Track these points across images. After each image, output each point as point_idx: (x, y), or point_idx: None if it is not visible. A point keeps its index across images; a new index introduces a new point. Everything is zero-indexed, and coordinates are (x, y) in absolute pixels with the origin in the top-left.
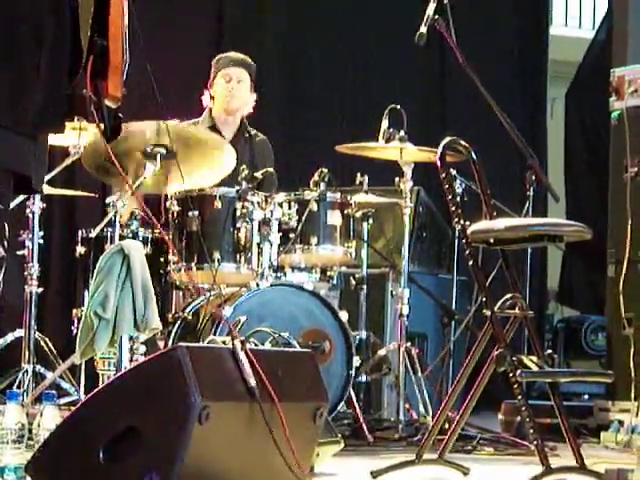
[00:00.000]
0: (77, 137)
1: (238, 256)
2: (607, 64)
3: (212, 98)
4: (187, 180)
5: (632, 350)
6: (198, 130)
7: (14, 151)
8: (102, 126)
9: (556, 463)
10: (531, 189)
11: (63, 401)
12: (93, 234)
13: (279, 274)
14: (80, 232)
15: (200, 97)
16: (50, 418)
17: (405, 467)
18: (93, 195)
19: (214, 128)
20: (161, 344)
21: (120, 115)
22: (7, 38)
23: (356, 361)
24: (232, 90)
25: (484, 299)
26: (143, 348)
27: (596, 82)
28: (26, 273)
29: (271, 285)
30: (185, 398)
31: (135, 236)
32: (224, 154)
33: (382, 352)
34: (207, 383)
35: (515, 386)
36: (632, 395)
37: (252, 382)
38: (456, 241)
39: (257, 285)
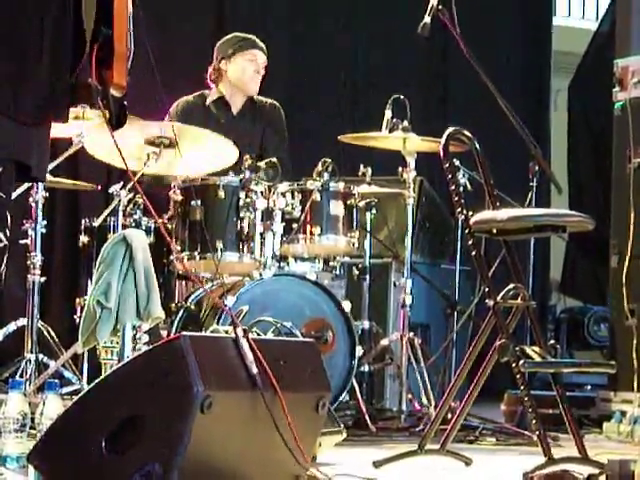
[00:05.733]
0: (80, 126)
1: (241, 246)
2: (610, 55)
3: (220, 73)
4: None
5: (635, 341)
6: (202, 131)
7: (16, 140)
8: (107, 115)
9: (558, 453)
10: (534, 180)
11: (65, 390)
12: (96, 223)
13: (282, 264)
14: (83, 221)
15: (203, 75)
16: (52, 407)
17: (407, 457)
18: (95, 187)
19: (222, 100)
20: (164, 333)
21: (125, 103)
22: (9, 26)
23: (359, 351)
24: (259, 74)
25: (487, 289)
26: (146, 337)
27: (599, 73)
28: (29, 262)
29: (274, 275)
30: (187, 387)
31: (138, 225)
32: (226, 150)
33: (385, 342)
34: (209, 372)
35: (518, 376)
36: (634, 386)
37: (254, 371)
38: (459, 231)
39: (260, 275)
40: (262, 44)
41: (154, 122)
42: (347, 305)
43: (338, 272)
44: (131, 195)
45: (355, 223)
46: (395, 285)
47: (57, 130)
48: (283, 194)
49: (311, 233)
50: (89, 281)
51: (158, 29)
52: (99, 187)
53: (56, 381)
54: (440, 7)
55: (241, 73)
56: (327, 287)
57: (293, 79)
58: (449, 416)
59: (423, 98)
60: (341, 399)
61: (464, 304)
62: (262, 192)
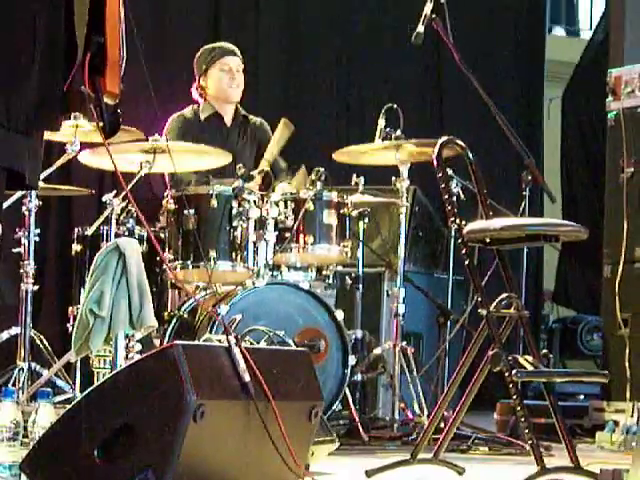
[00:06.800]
0: (73, 134)
1: (234, 255)
2: (604, 65)
3: (203, 89)
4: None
5: (627, 350)
6: (202, 148)
7: (7, 148)
8: (101, 123)
9: (551, 463)
10: (527, 189)
11: (58, 399)
12: (89, 232)
13: (275, 273)
14: (76, 230)
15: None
16: (45, 416)
17: (400, 466)
18: (88, 192)
19: (216, 114)
20: (157, 342)
21: (119, 111)
22: (0, 33)
23: (351, 360)
24: (235, 80)
25: (480, 299)
26: (139, 346)
27: (593, 82)
28: (22, 271)
29: (267, 284)
30: (180, 396)
31: (131, 234)
32: (222, 160)
33: (377, 351)
34: (202, 381)
35: (510, 386)
36: (627, 395)
37: (247, 380)
38: (452, 241)
39: (253, 284)
40: (232, 47)
41: (148, 139)
42: (340, 314)
43: (331, 281)
44: (124, 204)
45: (348, 232)
46: (388, 294)
47: (50, 135)
48: (276, 203)
49: (304, 242)
50: (82, 290)
51: (153, 36)
52: (92, 192)
53: (49, 389)
54: (434, 16)
55: (219, 84)
56: (320, 296)
57: (288, 89)
58: (442, 425)
59: (419, 108)
60: (334, 408)
61: (457, 313)
62: (255, 201)
